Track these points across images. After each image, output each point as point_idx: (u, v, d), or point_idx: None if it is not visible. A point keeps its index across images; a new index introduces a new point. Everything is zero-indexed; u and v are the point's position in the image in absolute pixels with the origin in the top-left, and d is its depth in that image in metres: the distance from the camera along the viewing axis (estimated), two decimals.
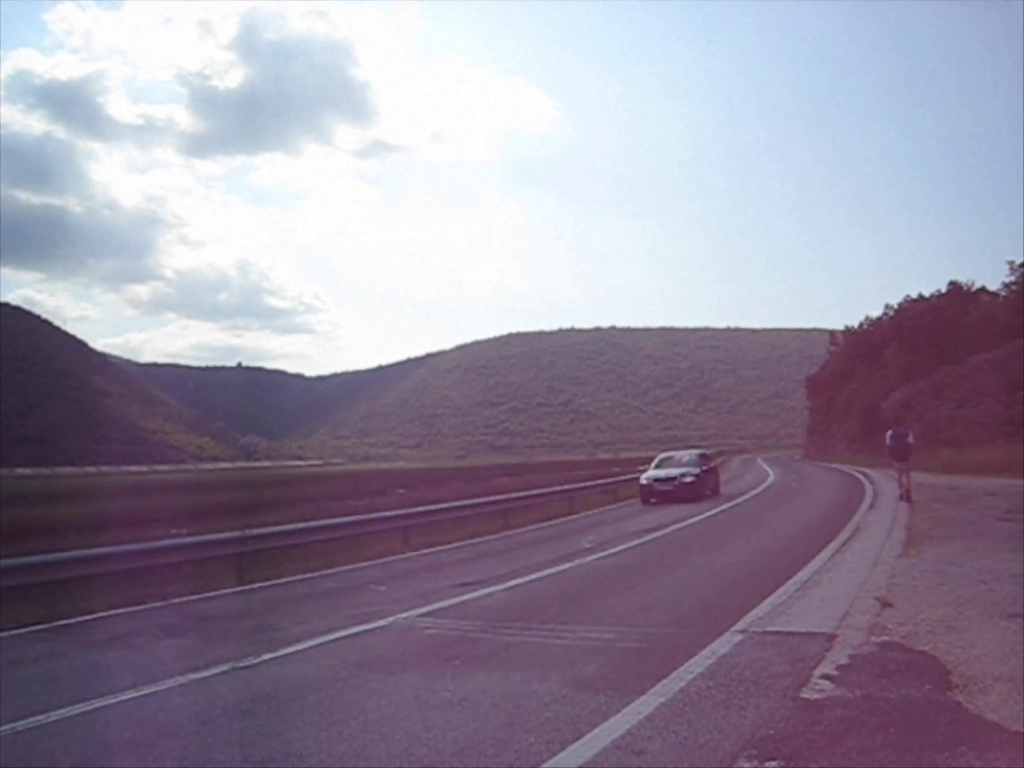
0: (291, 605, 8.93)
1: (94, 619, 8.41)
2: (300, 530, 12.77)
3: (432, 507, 16.29)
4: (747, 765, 3.60)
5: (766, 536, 13.07)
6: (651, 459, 26.30)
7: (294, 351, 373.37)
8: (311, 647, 6.53)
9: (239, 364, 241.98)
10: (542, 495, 20.63)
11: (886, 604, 6.84)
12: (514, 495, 19.66)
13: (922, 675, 4.78)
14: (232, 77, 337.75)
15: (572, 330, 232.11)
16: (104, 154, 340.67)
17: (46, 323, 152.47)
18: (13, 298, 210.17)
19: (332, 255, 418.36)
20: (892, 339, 55.84)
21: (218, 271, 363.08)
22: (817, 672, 4.98)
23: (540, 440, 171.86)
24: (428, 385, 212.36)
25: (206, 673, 5.81)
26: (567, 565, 10.47)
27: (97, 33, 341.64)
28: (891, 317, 61.88)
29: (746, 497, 22.42)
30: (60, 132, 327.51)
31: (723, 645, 5.79)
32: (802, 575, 8.55)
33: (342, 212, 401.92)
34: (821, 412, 72.31)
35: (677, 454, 24.88)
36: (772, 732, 3.99)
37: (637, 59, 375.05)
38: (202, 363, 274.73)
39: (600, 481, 26.60)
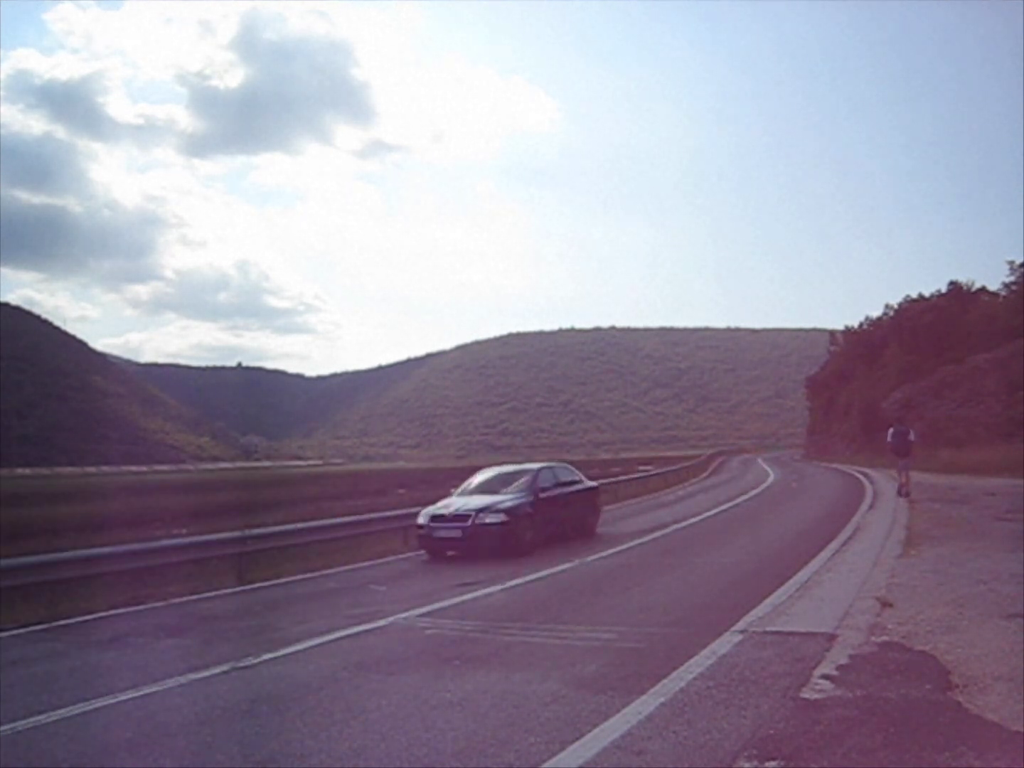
0: (291, 605, 8.93)
1: (94, 619, 8.41)
2: (300, 530, 12.76)
3: None
4: (747, 765, 3.60)
5: (766, 536, 13.07)
6: (651, 460, 25.29)
7: (294, 351, 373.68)
8: (311, 647, 6.53)
9: (239, 364, 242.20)
10: None
11: (886, 604, 6.84)
12: None
13: (922, 675, 4.78)
14: (232, 77, 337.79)
15: (572, 330, 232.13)
16: (104, 154, 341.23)
17: (46, 323, 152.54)
18: (13, 298, 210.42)
19: (332, 255, 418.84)
20: (892, 339, 55.80)
21: (218, 271, 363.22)
22: (817, 672, 4.98)
23: (540, 440, 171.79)
24: (428, 385, 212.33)
25: (206, 673, 5.81)
26: (567, 565, 10.47)
27: (97, 33, 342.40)
28: (891, 317, 61.83)
29: (746, 497, 22.42)
30: (60, 132, 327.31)
31: (723, 645, 5.79)
32: (802, 575, 8.55)
33: (342, 212, 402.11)
34: (821, 412, 72.25)
35: (507, 470, 14.64)
36: (772, 732, 3.99)
37: (637, 59, 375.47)
38: (202, 363, 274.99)
39: (600, 481, 26.53)
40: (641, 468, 38.28)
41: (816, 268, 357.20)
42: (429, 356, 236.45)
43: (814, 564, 9.28)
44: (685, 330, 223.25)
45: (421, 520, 12.33)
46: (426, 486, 35.67)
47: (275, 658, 6.20)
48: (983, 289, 53.59)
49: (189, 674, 5.77)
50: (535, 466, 14.31)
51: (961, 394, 38.54)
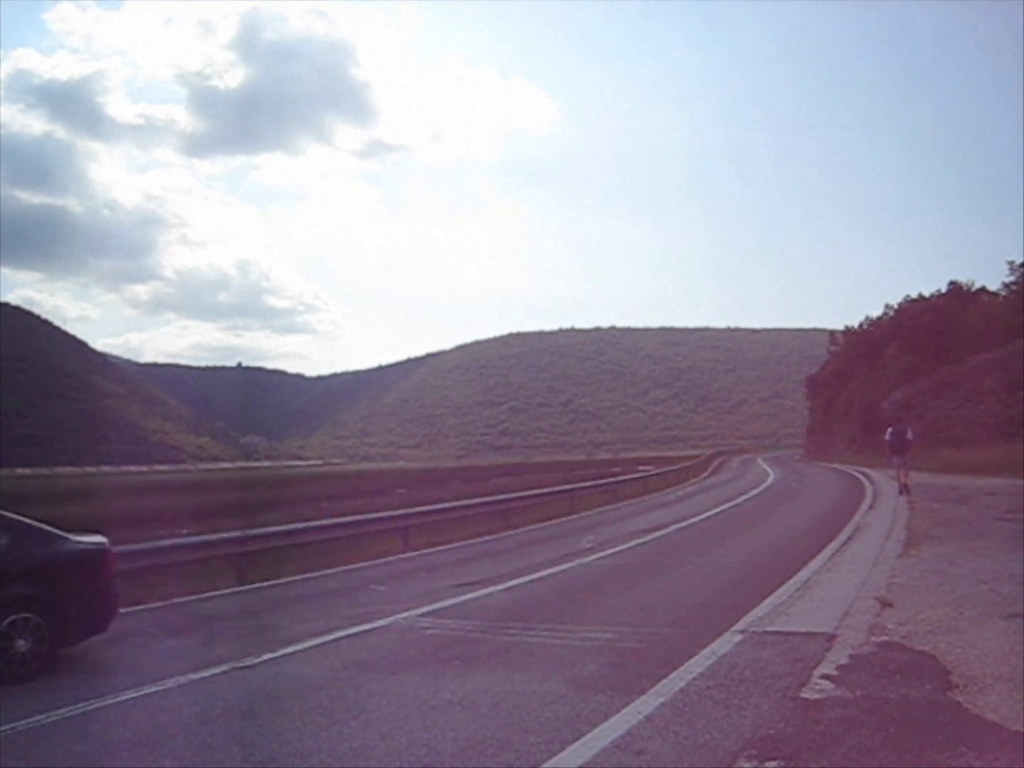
0: (291, 605, 8.92)
1: None
2: (300, 530, 12.76)
3: (432, 507, 16.28)
4: (747, 765, 3.60)
5: (766, 536, 13.07)
6: (651, 460, 25.24)
7: (294, 351, 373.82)
8: (311, 647, 6.53)
9: (239, 364, 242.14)
10: (542, 495, 20.62)
11: (886, 604, 6.84)
12: (514, 495, 19.66)
13: (922, 675, 4.78)
14: (232, 77, 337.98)
15: (572, 330, 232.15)
16: (104, 154, 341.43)
17: (46, 323, 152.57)
18: (13, 298, 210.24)
19: (332, 255, 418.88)
20: (892, 339, 55.78)
21: (218, 271, 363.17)
22: (817, 672, 4.98)
23: (540, 440, 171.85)
24: (428, 385, 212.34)
25: (206, 673, 5.81)
26: (567, 565, 10.47)
27: (97, 33, 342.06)
28: (891, 317, 61.84)
29: (746, 497, 22.41)
30: (60, 132, 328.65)
31: (723, 645, 5.79)
32: (802, 575, 8.56)
33: (342, 212, 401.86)
34: (821, 412, 72.24)
35: None
36: (772, 732, 3.99)
37: (637, 59, 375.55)
38: (202, 363, 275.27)
39: (600, 481, 26.59)
40: (641, 468, 38.29)
41: (816, 268, 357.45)
42: (429, 356, 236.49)
43: (814, 564, 9.28)
44: (685, 330, 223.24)
45: None
46: (426, 486, 35.69)
47: (275, 658, 6.20)
48: (983, 289, 53.65)
49: (189, 674, 5.77)
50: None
51: (961, 394, 38.53)
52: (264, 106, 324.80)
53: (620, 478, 28.38)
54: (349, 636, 6.86)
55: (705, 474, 39.83)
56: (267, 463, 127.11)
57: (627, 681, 5.04)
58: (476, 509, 16.97)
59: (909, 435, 19.78)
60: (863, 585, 7.81)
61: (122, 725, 4.76)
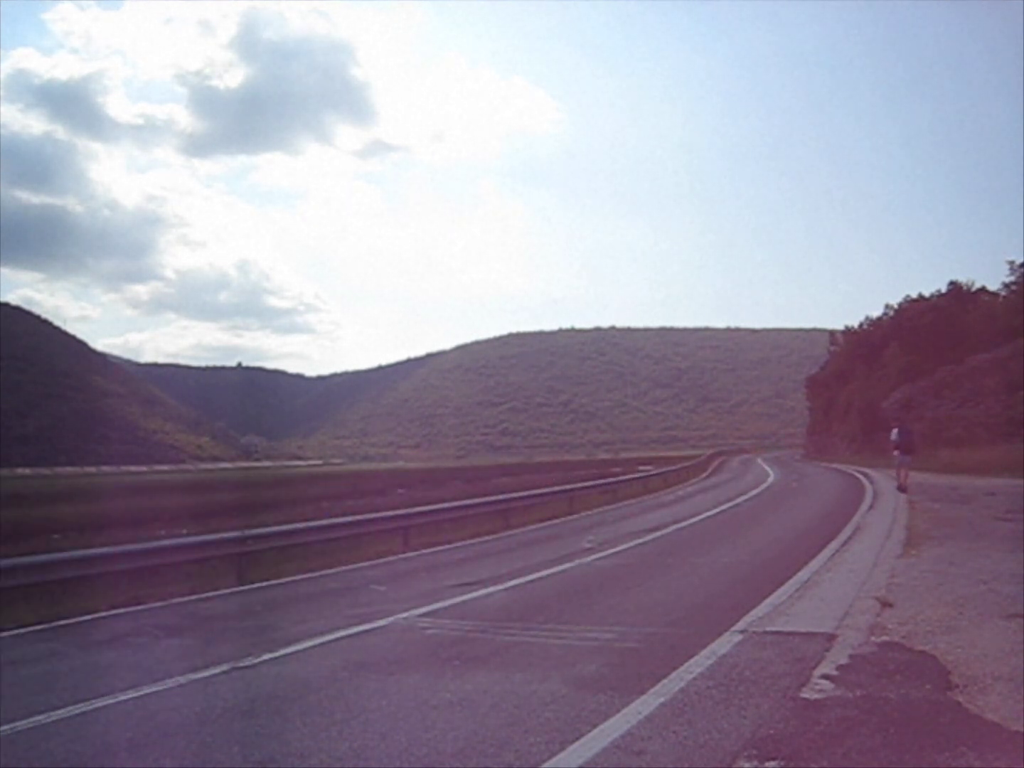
0: (291, 605, 8.92)
1: (94, 619, 8.40)
2: (300, 530, 12.76)
3: (432, 507, 16.28)
4: (747, 765, 3.60)
5: (766, 536, 13.07)
6: (651, 460, 25.29)
7: (294, 351, 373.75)
8: (311, 647, 6.52)
9: (239, 364, 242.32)
10: (542, 495, 20.62)
11: (886, 604, 6.84)
12: (514, 495, 19.65)
13: (922, 675, 4.78)
14: (232, 77, 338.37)
15: (572, 330, 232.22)
16: (104, 154, 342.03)
17: (46, 323, 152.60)
18: (13, 298, 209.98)
19: (332, 255, 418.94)
20: (892, 339, 55.74)
21: (218, 271, 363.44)
22: (817, 672, 4.98)
23: (540, 440, 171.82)
24: (428, 385, 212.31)
25: (206, 673, 5.80)
26: (567, 565, 10.47)
27: (97, 33, 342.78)
28: (891, 317, 61.81)
29: (746, 497, 22.41)
30: (60, 132, 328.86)
31: (723, 645, 5.79)
32: (802, 575, 8.55)
33: (342, 212, 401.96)
34: (821, 412, 72.22)
35: None
36: (772, 732, 3.99)
37: (637, 59, 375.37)
38: (202, 363, 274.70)
39: (600, 481, 26.59)
40: (641, 468, 38.29)
41: (816, 268, 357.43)
42: (429, 356, 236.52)
43: (814, 564, 9.28)
44: (685, 330, 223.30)
45: None
46: (426, 486, 35.70)
47: (275, 658, 6.19)
48: (983, 289, 53.64)
49: (189, 674, 5.76)
50: None
51: (961, 394, 38.53)
52: (264, 106, 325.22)
53: (620, 478, 28.37)
54: (349, 636, 6.86)
55: (705, 474, 39.82)
56: (267, 463, 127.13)
57: (627, 681, 5.04)
58: (476, 509, 16.96)
59: (914, 436, 21.24)
60: (863, 585, 7.81)
61: (122, 725, 4.76)
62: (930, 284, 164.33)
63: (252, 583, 10.31)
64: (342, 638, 6.79)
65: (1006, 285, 49.38)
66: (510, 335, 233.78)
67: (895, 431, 21.36)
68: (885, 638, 5.73)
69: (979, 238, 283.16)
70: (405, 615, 7.59)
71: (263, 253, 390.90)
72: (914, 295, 59.61)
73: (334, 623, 7.41)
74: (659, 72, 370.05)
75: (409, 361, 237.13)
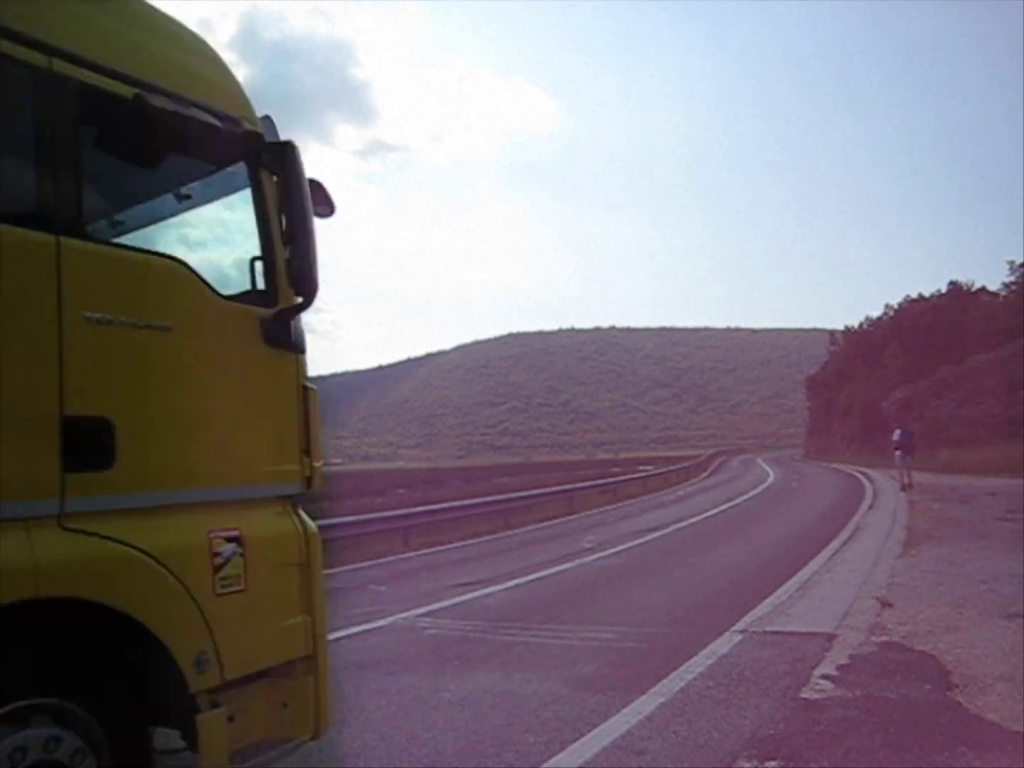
0: None
1: None
2: None
3: (432, 507, 16.30)
4: (747, 765, 3.60)
5: (766, 536, 13.08)
6: (651, 460, 25.40)
7: None
8: None
9: None
10: (542, 495, 20.64)
11: (886, 604, 6.84)
12: (514, 495, 19.67)
13: (922, 675, 4.78)
14: None
15: (572, 330, 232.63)
16: None
17: None
18: None
19: (332, 255, 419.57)
20: (892, 339, 55.83)
21: None
22: (817, 672, 4.98)
23: (540, 440, 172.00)
24: (428, 385, 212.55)
25: None
26: (567, 565, 10.47)
27: None
28: (891, 317, 61.92)
29: (746, 497, 22.42)
30: None
31: (723, 645, 5.79)
32: (802, 575, 8.56)
33: (342, 212, 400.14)
34: (821, 412, 72.29)
35: None
36: (772, 732, 3.99)
37: (637, 59, 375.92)
38: None
39: (600, 481, 26.60)
40: (641, 468, 38.31)
41: (816, 268, 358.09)
42: (429, 356, 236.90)
43: (814, 564, 9.28)
44: (685, 330, 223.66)
45: None
46: (426, 486, 35.68)
47: None
48: (983, 289, 53.69)
49: None
50: None
51: (961, 394, 38.56)
52: (264, 106, 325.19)
53: (620, 478, 28.38)
54: (349, 636, 6.85)
55: (705, 474, 39.84)
56: None
57: (627, 681, 5.03)
58: (476, 509, 16.97)
59: (914, 437, 22.22)
60: (863, 585, 7.82)
61: None
62: (930, 284, 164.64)
63: None
64: (342, 638, 6.78)
65: (1006, 285, 49.51)
66: (510, 335, 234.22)
67: (897, 432, 22.04)
68: (885, 638, 5.73)
69: (979, 238, 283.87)
70: (405, 615, 7.59)
71: None
72: (914, 295, 59.80)
73: (334, 623, 7.35)
74: (659, 72, 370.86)
75: (409, 361, 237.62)
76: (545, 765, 3.77)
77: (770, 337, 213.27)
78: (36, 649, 2.28)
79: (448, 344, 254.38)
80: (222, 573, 2.68)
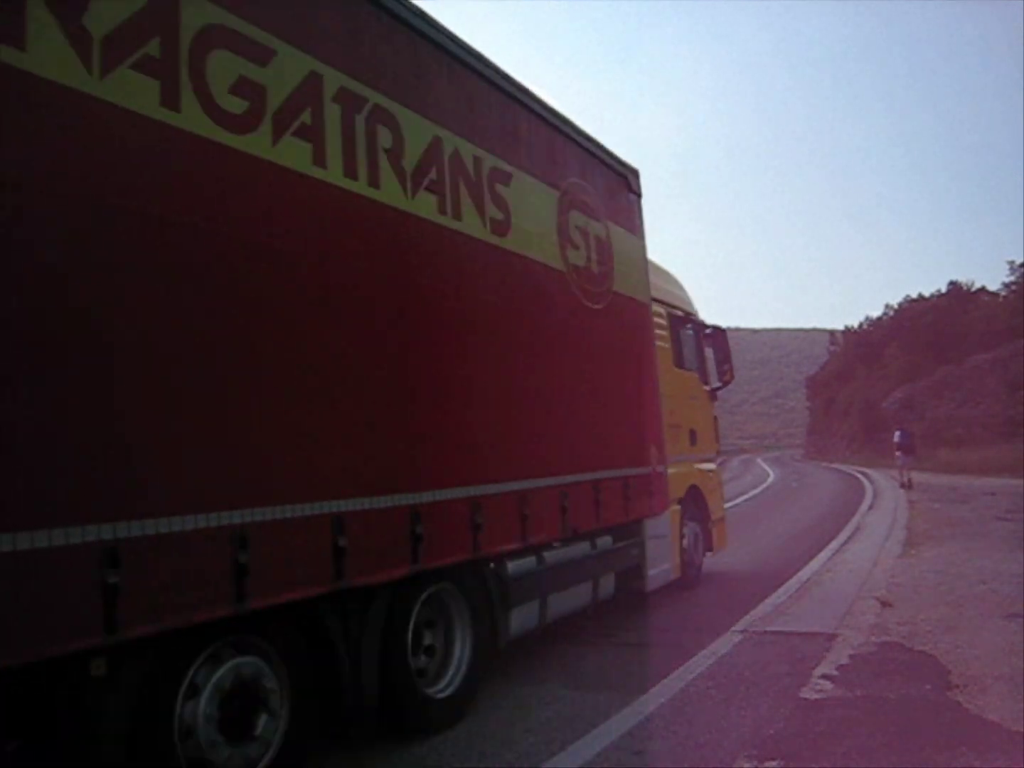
0: None
1: None
2: None
3: None
4: (747, 765, 3.60)
5: (765, 536, 13.07)
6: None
7: None
8: None
9: None
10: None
11: (886, 604, 6.84)
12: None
13: (922, 675, 4.78)
14: None
15: None
16: None
17: None
18: None
19: None
20: (892, 339, 55.85)
21: None
22: (817, 672, 4.97)
23: None
24: None
25: None
26: None
27: None
28: (891, 317, 61.94)
29: (745, 497, 22.41)
30: None
31: (723, 645, 5.78)
32: (802, 575, 8.55)
33: None
34: (821, 412, 72.24)
35: None
36: (772, 732, 3.99)
37: (636, 59, 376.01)
38: None
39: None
40: None
41: (816, 268, 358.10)
42: None
43: (814, 564, 9.28)
44: None
45: None
46: None
47: None
48: (983, 289, 53.72)
49: None
50: None
51: (961, 394, 38.57)
52: None
53: None
54: None
55: None
56: None
57: (627, 681, 5.04)
58: None
59: (914, 438, 22.68)
60: (863, 585, 7.81)
61: None
62: (930, 284, 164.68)
63: None
64: None
65: (1006, 285, 49.55)
66: None
67: (897, 433, 22.34)
68: (885, 638, 5.73)
69: (979, 238, 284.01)
70: None
71: None
72: (914, 295, 59.80)
73: None
74: (657, 72, 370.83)
75: None
76: (545, 765, 3.77)
77: (770, 337, 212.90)
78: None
79: None
80: (707, 483, 8.76)
